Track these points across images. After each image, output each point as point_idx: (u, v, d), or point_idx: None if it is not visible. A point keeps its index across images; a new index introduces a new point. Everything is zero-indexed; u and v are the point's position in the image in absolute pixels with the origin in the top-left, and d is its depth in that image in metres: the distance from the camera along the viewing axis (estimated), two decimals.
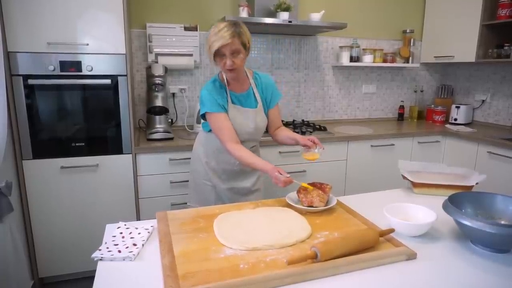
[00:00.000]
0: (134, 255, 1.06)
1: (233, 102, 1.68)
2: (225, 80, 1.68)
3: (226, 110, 1.65)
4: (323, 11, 2.77)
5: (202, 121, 1.77)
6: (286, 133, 1.80)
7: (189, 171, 1.93)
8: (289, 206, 1.40)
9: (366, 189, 1.76)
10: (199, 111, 2.60)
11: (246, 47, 1.58)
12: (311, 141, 1.63)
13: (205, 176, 1.82)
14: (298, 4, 2.86)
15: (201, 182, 1.84)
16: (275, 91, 1.81)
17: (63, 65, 2.06)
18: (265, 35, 3.01)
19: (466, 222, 1.07)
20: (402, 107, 3.52)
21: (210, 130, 1.73)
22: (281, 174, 1.44)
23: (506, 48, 2.81)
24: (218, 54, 1.54)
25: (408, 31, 3.37)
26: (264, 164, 1.54)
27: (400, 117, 3.53)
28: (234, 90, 1.70)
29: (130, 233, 1.20)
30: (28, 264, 2.17)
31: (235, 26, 1.54)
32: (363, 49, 3.25)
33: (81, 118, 2.17)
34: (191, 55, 2.73)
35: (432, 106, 3.50)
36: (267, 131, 1.87)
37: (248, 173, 1.83)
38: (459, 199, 1.24)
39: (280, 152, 2.54)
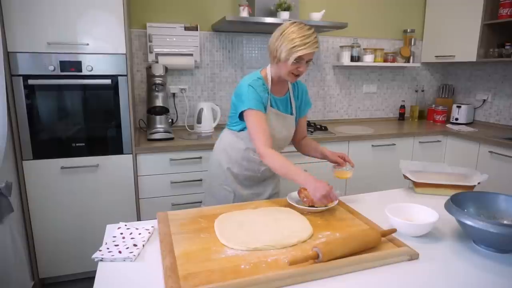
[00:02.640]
0: (134, 255, 1.05)
1: (271, 105, 1.61)
2: (269, 80, 1.59)
3: (265, 112, 1.58)
4: (324, 10, 2.77)
5: (235, 120, 1.63)
6: (314, 146, 1.74)
7: (206, 174, 1.85)
8: (290, 206, 1.40)
9: (367, 189, 1.75)
10: (200, 109, 2.62)
11: None
12: (342, 158, 1.58)
13: (225, 181, 1.73)
14: (299, 3, 2.85)
15: (220, 187, 1.75)
16: (308, 100, 1.76)
17: (63, 65, 2.05)
18: (265, 35, 3.00)
19: (469, 222, 1.06)
20: (403, 106, 3.51)
21: (241, 130, 1.63)
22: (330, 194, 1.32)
23: (507, 47, 2.81)
24: (297, 60, 1.47)
25: (408, 30, 3.36)
26: (305, 177, 1.38)
27: (401, 117, 3.52)
28: (274, 93, 1.63)
29: (131, 233, 1.19)
30: (28, 264, 2.17)
31: (317, 36, 1.48)
32: (364, 49, 3.24)
33: (81, 118, 2.16)
34: (191, 55, 2.72)
35: (433, 105, 3.50)
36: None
37: (270, 178, 1.78)
38: (461, 199, 1.23)
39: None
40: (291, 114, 1.68)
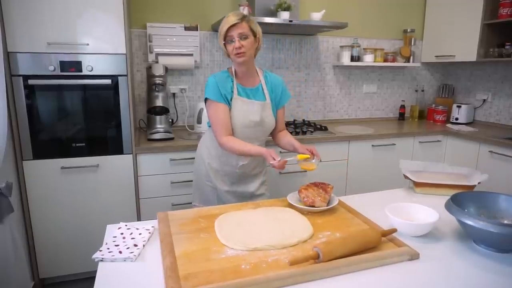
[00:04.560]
0: (135, 255, 1.05)
1: (239, 94, 1.68)
2: (234, 72, 1.69)
3: (228, 102, 1.65)
4: (324, 10, 2.77)
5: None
6: (287, 139, 1.79)
7: (193, 170, 1.93)
8: (290, 206, 1.40)
9: (367, 189, 1.75)
10: (200, 109, 2.62)
11: (255, 35, 1.62)
12: (310, 151, 1.61)
13: (206, 177, 1.81)
14: (299, 3, 2.85)
15: (203, 183, 1.83)
16: (284, 91, 1.81)
17: (63, 65, 2.05)
18: (265, 35, 3.00)
19: (469, 222, 1.06)
20: (403, 106, 3.51)
21: None
22: (274, 159, 1.48)
23: (507, 47, 2.81)
24: (227, 40, 1.58)
25: (409, 30, 3.36)
26: (257, 149, 1.57)
27: (401, 116, 3.52)
28: (242, 84, 1.71)
29: (131, 233, 1.19)
30: (28, 265, 2.17)
31: (244, 13, 1.61)
32: (364, 49, 3.24)
33: (81, 119, 2.16)
34: (191, 55, 2.72)
35: (433, 105, 3.50)
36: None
37: (251, 177, 1.81)
38: (461, 198, 1.23)
39: (281, 152, 2.53)
40: (263, 101, 1.73)
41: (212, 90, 1.64)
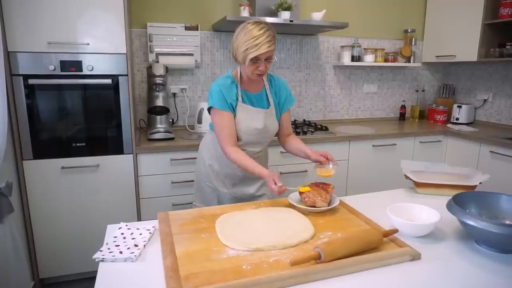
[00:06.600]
0: (135, 256, 1.05)
1: (243, 101, 1.64)
2: (239, 78, 1.64)
3: (233, 110, 1.62)
4: (324, 10, 2.76)
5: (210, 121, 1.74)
6: (297, 145, 1.73)
7: (194, 171, 1.92)
8: (291, 206, 1.39)
9: (368, 189, 1.75)
10: (201, 109, 2.62)
11: None
12: (324, 157, 1.57)
13: (207, 178, 1.79)
14: (299, 3, 2.85)
15: (203, 184, 1.82)
16: (289, 95, 1.77)
17: (64, 64, 2.05)
18: None
19: (471, 222, 1.06)
20: (403, 106, 3.51)
21: None
22: (275, 183, 1.39)
23: (508, 47, 2.80)
24: (252, 59, 1.49)
25: (409, 30, 3.36)
26: (260, 170, 1.51)
27: (402, 116, 3.52)
28: (246, 90, 1.66)
29: (132, 233, 1.19)
30: (28, 265, 2.16)
31: (272, 31, 1.49)
32: (364, 49, 3.23)
33: (81, 118, 2.16)
34: (192, 54, 2.72)
35: (434, 105, 3.49)
36: (276, 136, 1.82)
37: (252, 179, 1.79)
38: (463, 199, 1.23)
39: (281, 152, 2.53)
40: (267, 108, 1.69)
41: (217, 98, 1.58)
